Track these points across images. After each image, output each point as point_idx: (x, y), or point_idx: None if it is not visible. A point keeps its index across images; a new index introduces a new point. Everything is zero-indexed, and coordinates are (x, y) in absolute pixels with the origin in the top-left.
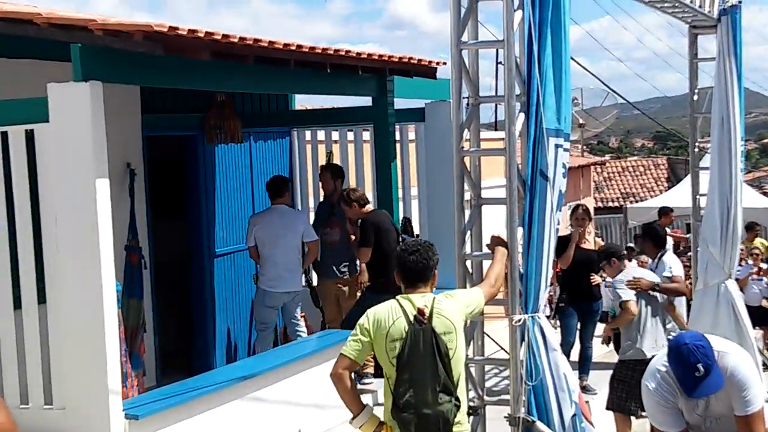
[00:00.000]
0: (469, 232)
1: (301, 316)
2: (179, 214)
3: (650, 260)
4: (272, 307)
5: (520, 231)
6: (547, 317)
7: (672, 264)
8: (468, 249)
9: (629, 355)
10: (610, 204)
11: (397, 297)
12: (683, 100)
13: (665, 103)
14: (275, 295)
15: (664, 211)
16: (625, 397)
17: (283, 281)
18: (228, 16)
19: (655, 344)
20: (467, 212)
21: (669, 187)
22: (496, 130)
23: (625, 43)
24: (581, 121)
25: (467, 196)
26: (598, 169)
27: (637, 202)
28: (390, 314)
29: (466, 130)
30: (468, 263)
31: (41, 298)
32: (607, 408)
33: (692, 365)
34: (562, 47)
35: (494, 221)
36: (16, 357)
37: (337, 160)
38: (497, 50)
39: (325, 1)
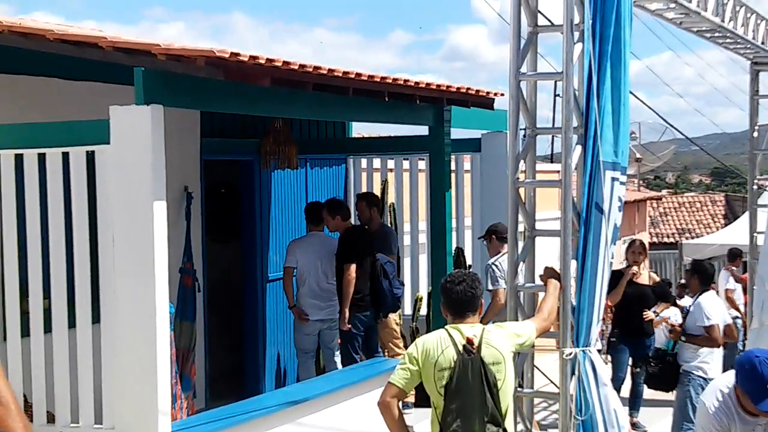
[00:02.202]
0: (522, 264)
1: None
2: (234, 238)
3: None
4: (308, 335)
5: (573, 264)
6: (599, 352)
7: (711, 310)
8: (521, 280)
9: None
10: (666, 239)
11: (446, 326)
12: (742, 137)
13: (724, 139)
14: (311, 323)
15: (735, 254)
16: None
17: (318, 309)
18: (291, 45)
19: None
20: (521, 243)
21: (726, 224)
22: (551, 162)
23: (685, 78)
24: (638, 156)
25: (521, 227)
26: (654, 204)
27: (693, 238)
28: (439, 343)
29: (522, 161)
30: (520, 295)
31: (95, 317)
32: None
33: (762, 377)
34: (621, 81)
35: (548, 253)
36: (68, 375)
37: (392, 189)
38: (555, 83)
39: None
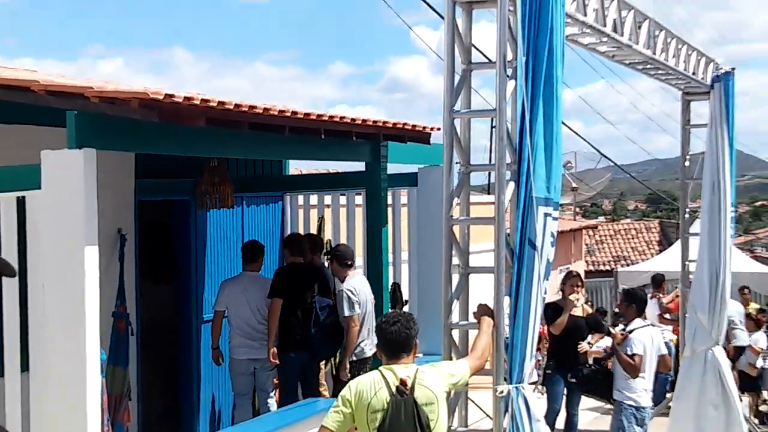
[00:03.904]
0: (456, 301)
1: None
2: (169, 279)
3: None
4: (242, 374)
5: (507, 300)
6: (534, 383)
7: (640, 342)
8: (455, 318)
9: None
10: (602, 267)
11: (380, 368)
12: (676, 163)
13: (658, 165)
14: (242, 363)
15: (658, 281)
16: None
17: (250, 348)
18: (231, 80)
19: None
20: (455, 280)
21: (660, 251)
22: (488, 193)
23: (621, 106)
24: (574, 185)
25: (456, 260)
26: (591, 232)
27: (628, 265)
28: (372, 385)
29: (456, 198)
30: (454, 333)
31: (24, 365)
32: None
33: None
34: (553, 117)
35: (483, 289)
36: None
37: (328, 225)
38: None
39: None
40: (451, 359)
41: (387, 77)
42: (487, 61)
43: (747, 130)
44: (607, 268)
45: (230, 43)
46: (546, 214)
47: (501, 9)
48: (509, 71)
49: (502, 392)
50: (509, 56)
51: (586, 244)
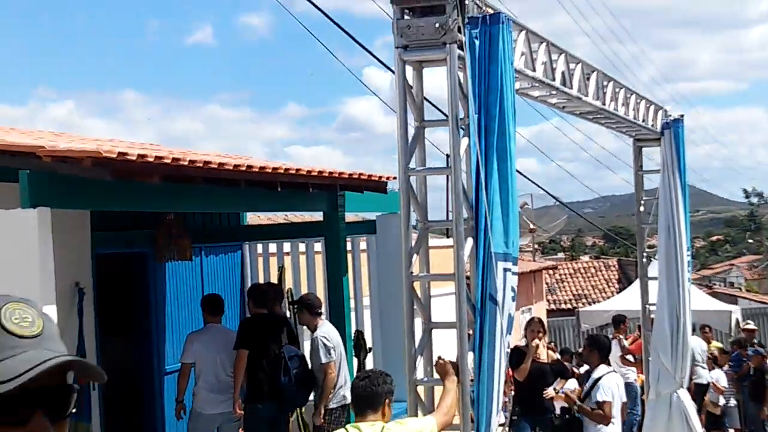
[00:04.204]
0: (420, 357)
1: None
2: (129, 331)
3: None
4: (205, 428)
5: (470, 355)
6: (501, 425)
7: (608, 388)
8: (420, 374)
9: None
10: (563, 306)
11: (347, 425)
12: (631, 199)
13: (614, 201)
14: (208, 417)
15: (618, 321)
16: None
17: (216, 402)
18: (183, 121)
19: None
20: (418, 335)
21: (620, 288)
22: (447, 237)
23: (577, 141)
24: (532, 226)
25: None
26: (551, 272)
27: (589, 303)
28: None
29: (415, 254)
30: (420, 389)
31: None
32: None
33: None
34: (508, 172)
35: (447, 341)
36: None
37: (289, 273)
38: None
39: (311, 74)
40: (416, 416)
41: (341, 117)
42: (439, 118)
43: (699, 166)
44: (569, 306)
45: (181, 85)
46: (505, 269)
47: (450, 68)
48: (461, 130)
49: None
50: (461, 114)
51: (547, 284)
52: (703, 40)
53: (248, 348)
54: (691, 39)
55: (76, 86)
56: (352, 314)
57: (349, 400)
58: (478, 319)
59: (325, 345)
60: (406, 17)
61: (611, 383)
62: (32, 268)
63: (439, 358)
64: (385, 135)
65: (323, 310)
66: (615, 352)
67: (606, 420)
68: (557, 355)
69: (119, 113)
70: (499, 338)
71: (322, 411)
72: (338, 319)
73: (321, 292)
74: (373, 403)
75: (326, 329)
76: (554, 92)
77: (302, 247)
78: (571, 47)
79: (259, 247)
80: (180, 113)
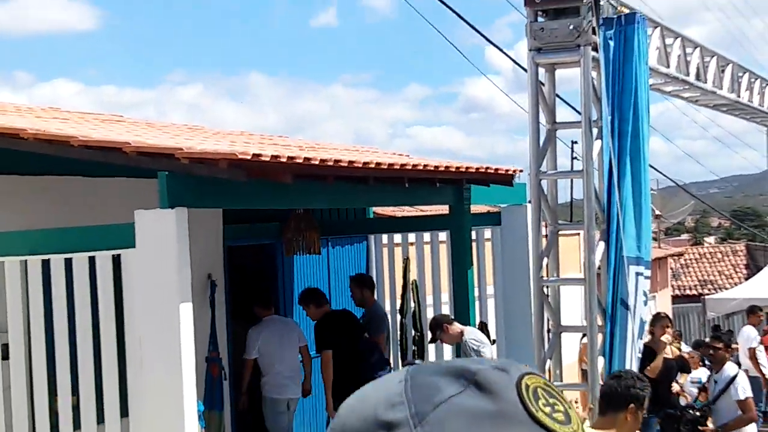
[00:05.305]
0: (549, 361)
1: None
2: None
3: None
4: (283, 413)
5: (601, 360)
6: None
7: (745, 384)
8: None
9: None
10: (688, 292)
11: None
12: (761, 178)
13: (742, 181)
14: (282, 402)
15: (753, 311)
16: None
17: (288, 388)
18: (307, 103)
19: None
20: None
21: (748, 275)
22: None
23: (701, 120)
24: (657, 212)
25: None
26: (675, 257)
27: (715, 290)
28: None
29: (545, 258)
30: None
31: (123, 411)
32: None
33: None
34: (641, 174)
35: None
36: None
37: (414, 264)
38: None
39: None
40: None
41: (463, 97)
42: (572, 121)
43: None
44: (694, 293)
45: (305, 66)
46: (638, 273)
47: (584, 70)
48: (594, 131)
49: None
50: (594, 116)
51: (672, 269)
52: None
53: (331, 348)
54: None
55: (206, 69)
56: (476, 304)
57: None
58: (609, 323)
59: (474, 348)
60: (539, 19)
61: (744, 380)
62: (170, 268)
63: None
64: (507, 115)
65: (443, 299)
66: (746, 344)
67: (752, 418)
68: (683, 345)
69: (245, 95)
70: (630, 343)
71: None
72: (463, 311)
73: (444, 282)
74: (612, 403)
75: (476, 334)
76: (688, 87)
77: (427, 237)
78: (694, 24)
79: (384, 238)
80: (304, 95)
